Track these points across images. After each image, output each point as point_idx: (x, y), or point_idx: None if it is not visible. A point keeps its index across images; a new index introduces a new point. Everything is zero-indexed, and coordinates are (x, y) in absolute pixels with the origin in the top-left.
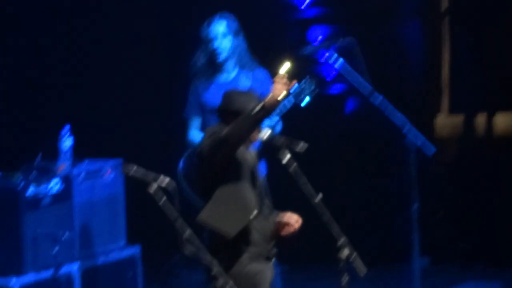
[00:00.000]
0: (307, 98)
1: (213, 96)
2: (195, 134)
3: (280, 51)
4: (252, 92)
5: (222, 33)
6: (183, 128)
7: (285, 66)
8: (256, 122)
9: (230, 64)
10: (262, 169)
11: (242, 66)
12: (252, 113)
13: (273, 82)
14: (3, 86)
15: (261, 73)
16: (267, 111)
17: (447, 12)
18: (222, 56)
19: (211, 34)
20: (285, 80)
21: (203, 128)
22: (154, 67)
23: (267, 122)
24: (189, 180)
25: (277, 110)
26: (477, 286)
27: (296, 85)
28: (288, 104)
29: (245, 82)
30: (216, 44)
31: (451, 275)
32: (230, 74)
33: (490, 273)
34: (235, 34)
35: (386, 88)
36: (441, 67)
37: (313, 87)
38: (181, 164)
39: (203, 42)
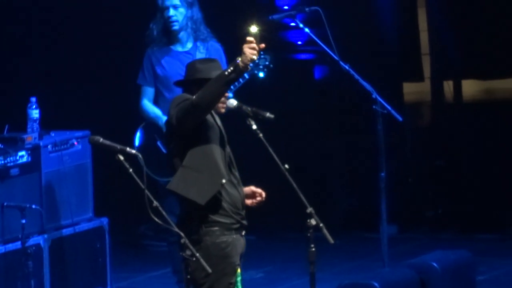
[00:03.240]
0: (261, 74)
1: (167, 65)
2: (148, 105)
3: (248, 16)
4: (214, 60)
5: (175, 4)
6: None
7: (253, 29)
8: (228, 84)
9: (184, 35)
10: None
11: (196, 38)
12: (225, 73)
13: (243, 45)
14: None
15: (215, 45)
16: (240, 72)
17: None
18: (176, 25)
19: (166, 2)
20: (254, 43)
21: (155, 98)
22: (114, 36)
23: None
24: (147, 156)
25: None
26: (445, 254)
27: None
28: (241, 80)
29: (200, 54)
30: (170, 12)
31: (419, 243)
32: (185, 45)
33: (457, 241)
34: (189, 6)
35: (357, 54)
36: (415, 34)
37: (267, 63)
38: (137, 139)
39: (158, 11)
